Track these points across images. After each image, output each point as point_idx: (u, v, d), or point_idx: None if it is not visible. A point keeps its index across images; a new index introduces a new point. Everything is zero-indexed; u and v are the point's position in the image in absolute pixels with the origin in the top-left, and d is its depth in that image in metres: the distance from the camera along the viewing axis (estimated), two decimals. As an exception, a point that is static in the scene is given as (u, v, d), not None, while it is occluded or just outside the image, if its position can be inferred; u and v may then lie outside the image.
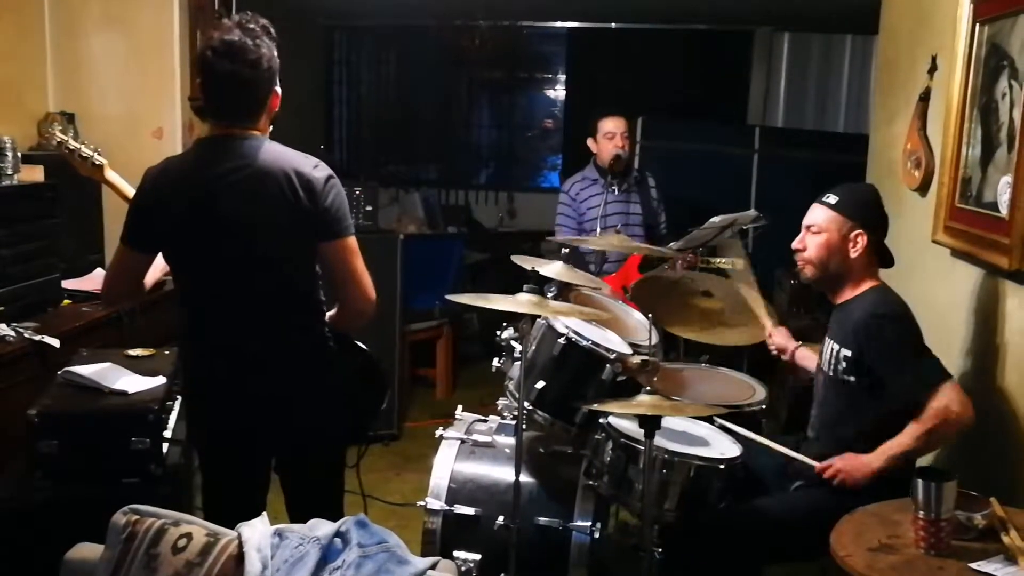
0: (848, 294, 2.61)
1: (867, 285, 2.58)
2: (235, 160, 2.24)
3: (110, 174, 2.70)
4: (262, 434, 2.39)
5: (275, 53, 2.29)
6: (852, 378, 2.52)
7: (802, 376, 3.00)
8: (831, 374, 2.61)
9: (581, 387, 2.71)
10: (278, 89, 2.33)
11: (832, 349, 2.60)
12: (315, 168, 2.28)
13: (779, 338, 3.01)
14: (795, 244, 2.65)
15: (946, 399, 2.34)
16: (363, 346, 2.59)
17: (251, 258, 2.28)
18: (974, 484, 2.07)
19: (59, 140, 2.68)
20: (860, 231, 2.55)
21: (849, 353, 2.52)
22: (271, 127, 2.38)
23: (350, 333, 2.52)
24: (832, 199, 2.59)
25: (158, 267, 2.44)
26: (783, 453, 2.58)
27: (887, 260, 2.64)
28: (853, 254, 2.56)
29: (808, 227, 2.62)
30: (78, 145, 2.67)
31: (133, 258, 2.36)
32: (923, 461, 2.73)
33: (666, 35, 7.79)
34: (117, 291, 2.50)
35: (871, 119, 4.16)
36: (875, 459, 2.42)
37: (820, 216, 2.59)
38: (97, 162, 2.69)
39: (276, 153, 2.27)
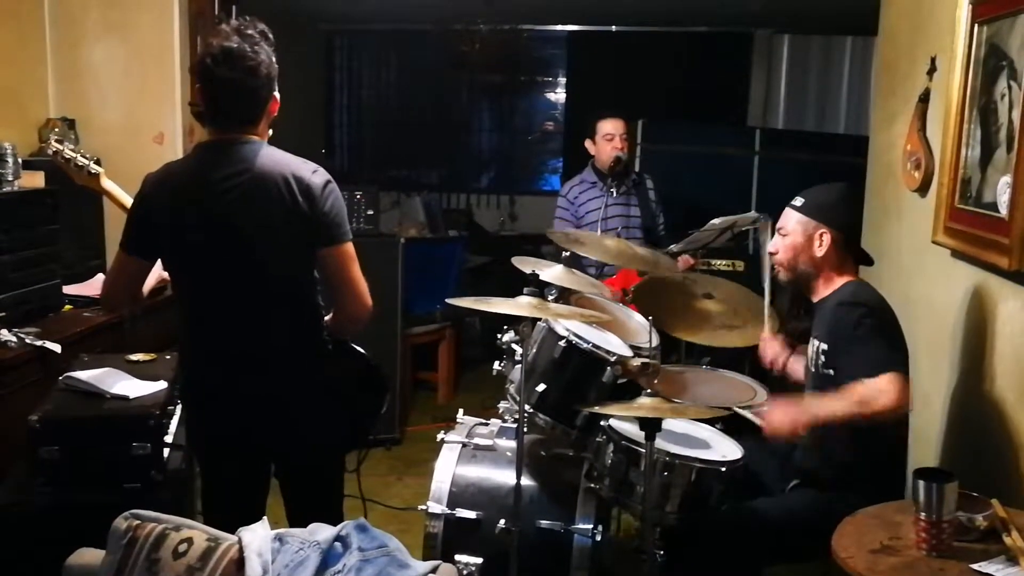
0: (823, 291, 2.65)
1: (841, 281, 2.62)
2: (234, 165, 2.24)
3: (106, 183, 2.69)
4: (260, 438, 2.39)
5: (273, 59, 2.29)
6: (831, 371, 2.54)
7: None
8: (813, 370, 2.64)
9: (582, 390, 2.71)
10: (277, 94, 2.34)
11: (814, 345, 2.64)
12: (314, 173, 2.28)
13: (772, 348, 2.98)
14: (769, 248, 2.72)
15: (879, 386, 2.34)
16: (362, 350, 2.59)
17: (249, 262, 2.28)
18: (975, 485, 2.07)
19: (55, 149, 2.67)
20: (824, 230, 2.59)
21: (826, 347, 2.56)
22: (271, 132, 2.38)
23: (349, 337, 2.52)
24: (798, 202, 2.66)
25: (155, 273, 2.44)
26: (746, 417, 2.63)
27: (864, 258, 2.67)
28: (819, 253, 2.60)
29: (779, 230, 2.69)
30: (74, 154, 2.66)
31: (132, 264, 2.37)
32: (924, 462, 2.73)
33: (666, 37, 7.79)
34: (116, 298, 2.51)
35: (871, 120, 4.16)
36: (796, 413, 2.46)
37: (788, 220, 2.66)
38: (93, 171, 2.67)
39: (275, 158, 2.28)
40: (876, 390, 2.35)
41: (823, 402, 2.47)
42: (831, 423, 2.45)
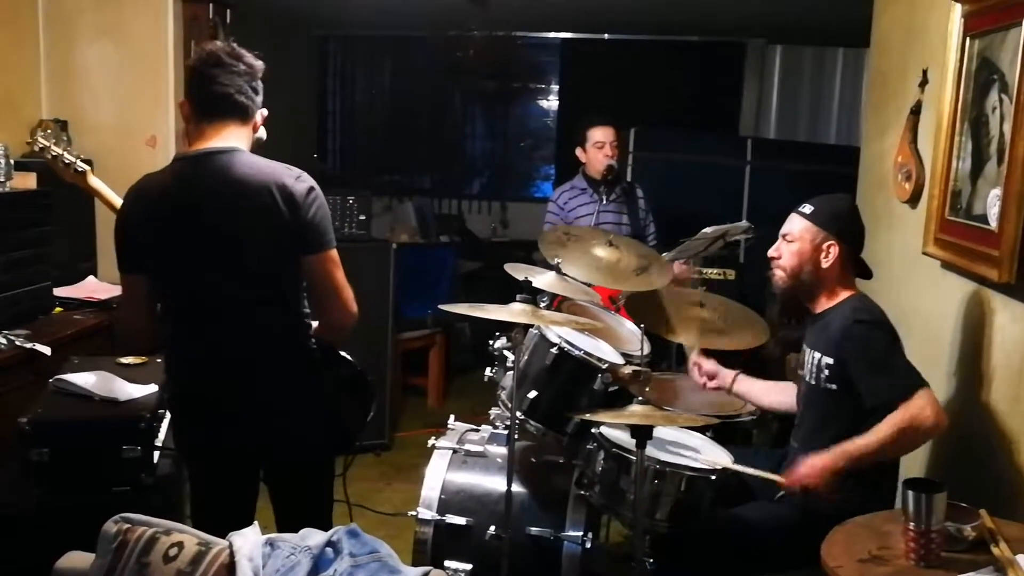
0: (825, 303, 2.63)
1: (844, 295, 2.61)
2: (215, 175, 2.23)
3: (93, 180, 2.67)
4: (249, 444, 2.38)
5: (260, 73, 2.33)
6: (834, 386, 2.53)
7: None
8: (813, 383, 2.62)
9: (573, 397, 2.71)
10: (264, 111, 2.36)
11: (813, 358, 2.61)
12: (297, 180, 2.26)
13: (708, 365, 3.02)
14: (771, 252, 2.69)
15: (919, 404, 2.33)
16: (348, 357, 2.58)
17: (234, 272, 2.27)
18: (964, 495, 2.08)
19: (42, 145, 2.66)
20: (832, 242, 2.58)
21: (831, 361, 2.53)
22: (263, 136, 2.39)
23: (337, 343, 2.51)
24: (807, 209, 2.63)
25: None
26: (756, 476, 2.57)
27: (864, 272, 2.67)
28: (825, 264, 2.58)
29: (784, 236, 2.66)
30: (61, 151, 2.65)
31: (137, 282, 2.33)
32: (913, 472, 2.74)
33: (659, 46, 7.83)
34: (134, 321, 2.44)
35: (862, 131, 4.19)
36: (828, 457, 2.38)
37: (795, 225, 2.63)
38: (79, 168, 2.66)
39: (258, 167, 2.26)
40: (917, 408, 2.32)
41: (859, 440, 2.37)
42: (871, 458, 2.38)
